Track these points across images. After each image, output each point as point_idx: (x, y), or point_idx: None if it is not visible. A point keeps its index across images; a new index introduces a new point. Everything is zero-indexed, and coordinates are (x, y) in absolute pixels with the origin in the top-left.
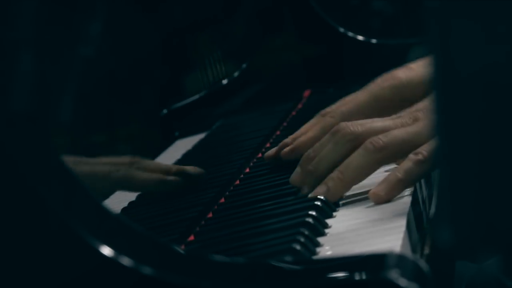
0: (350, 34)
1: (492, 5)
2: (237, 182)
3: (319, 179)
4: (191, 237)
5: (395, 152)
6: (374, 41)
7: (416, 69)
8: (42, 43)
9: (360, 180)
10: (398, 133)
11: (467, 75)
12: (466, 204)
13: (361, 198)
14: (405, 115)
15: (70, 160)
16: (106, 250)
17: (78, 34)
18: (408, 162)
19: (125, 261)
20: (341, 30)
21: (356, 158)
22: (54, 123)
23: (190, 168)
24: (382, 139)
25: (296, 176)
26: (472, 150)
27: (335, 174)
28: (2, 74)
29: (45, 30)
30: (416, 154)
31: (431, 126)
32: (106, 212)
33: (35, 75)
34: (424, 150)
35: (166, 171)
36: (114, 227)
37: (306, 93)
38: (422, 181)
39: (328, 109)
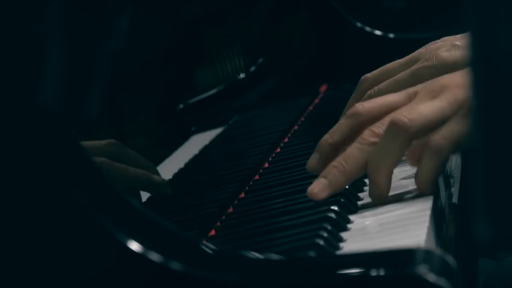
0: (368, 29)
1: None
2: (257, 176)
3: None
4: (212, 232)
5: (424, 128)
6: (391, 35)
7: (462, 48)
8: (67, 39)
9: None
10: (424, 109)
11: (507, 69)
12: (504, 197)
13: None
14: (421, 87)
15: None
16: (134, 246)
17: (101, 30)
18: (427, 160)
19: (154, 256)
20: (358, 24)
21: (386, 143)
22: (76, 117)
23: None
24: (407, 116)
25: (313, 161)
26: (508, 142)
27: (372, 169)
28: (28, 69)
29: (69, 26)
30: (433, 144)
31: (457, 101)
32: (134, 208)
33: (61, 70)
34: (441, 138)
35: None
36: (142, 222)
37: (323, 88)
38: (443, 175)
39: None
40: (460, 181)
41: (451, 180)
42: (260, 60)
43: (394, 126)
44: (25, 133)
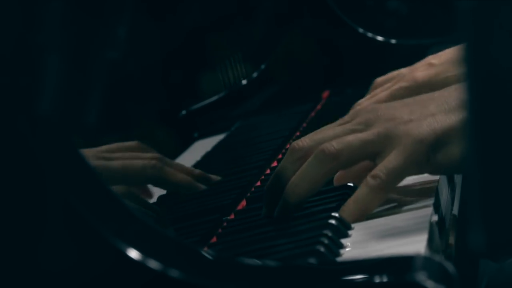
0: (370, 34)
1: None
2: (258, 183)
3: (278, 197)
4: (213, 239)
5: (348, 160)
6: (393, 41)
7: (436, 66)
8: (65, 47)
9: (316, 190)
10: (352, 140)
11: (503, 76)
12: (498, 206)
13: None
14: (355, 119)
15: (98, 155)
16: (133, 253)
17: (100, 37)
18: (365, 189)
19: (153, 264)
20: (360, 30)
21: (308, 168)
22: (76, 125)
23: (212, 177)
24: (334, 145)
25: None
26: (502, 152)
27: (290, 188)
28: (27, 78)
29: (68, 33)
30: (374, 178)
31: (385, 133)
32: (133, 215)
33: (59, 78)
34: (382, 172)
35: (189, 173)
36: (141, 230)
37: (325, 94)
38: (445, 181)
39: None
40: (462, 185)
41: (454, 184)
42: (263, 66)
43: (321, 153)
44: (24, 142)
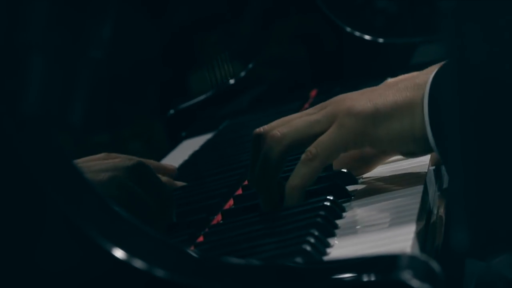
0: (357, 33)
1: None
2: (246, 182)
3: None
4: (201, 238)
5: (294, 141)
6: (380, 40)
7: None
8: (51, 46)
9: (278, 174)
10: (298, 122)
11: (484, 79)
12: (479, 207)
13: (369, 198)
14: (315, 107)
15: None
16: (119, 253)
17: (86, 36)
18: (299, 166)
19: (138, 263)
20: (348, 29)
21: (262, 155)
22: (62, 124)
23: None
24: (280, 130)
25: None
26: (486, 152)
27: (254, 176)
28: (12, 78)
29: (54, 33)
30: (306, 152)
31: (331, 111)
32: (118, 214)
33: (45, 77)
34: (313, 146)
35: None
36: (127, 229)
37: (313, 92)
38: (432, 176)
39: None
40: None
41: (442, 181)
42: (250, 66)
43: (270, 139)
44: (10, 141)
